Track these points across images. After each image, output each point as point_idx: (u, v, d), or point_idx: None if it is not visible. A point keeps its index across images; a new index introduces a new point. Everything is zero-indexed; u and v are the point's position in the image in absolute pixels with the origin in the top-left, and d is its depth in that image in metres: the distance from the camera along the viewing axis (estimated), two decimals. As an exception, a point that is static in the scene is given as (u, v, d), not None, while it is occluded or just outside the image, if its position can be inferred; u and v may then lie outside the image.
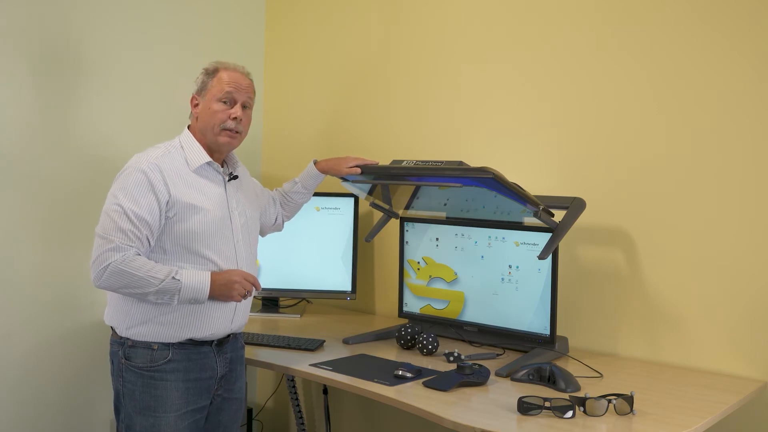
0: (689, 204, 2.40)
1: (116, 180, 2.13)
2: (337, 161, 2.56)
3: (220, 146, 2.21)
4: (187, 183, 2.14)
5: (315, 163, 2.59)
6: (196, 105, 2.23)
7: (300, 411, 3.28)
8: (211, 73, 2.22)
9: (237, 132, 2.21)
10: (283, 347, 2.56)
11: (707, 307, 2.37)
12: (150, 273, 2.03)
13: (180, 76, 3.08)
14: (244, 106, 2.22)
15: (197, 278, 2.08)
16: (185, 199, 2.11)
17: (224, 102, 2.19)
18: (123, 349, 2.14)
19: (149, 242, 2.09)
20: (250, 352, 2.48)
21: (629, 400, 1.94)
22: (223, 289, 2.12)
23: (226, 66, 2.23)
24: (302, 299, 3.27)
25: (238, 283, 2.14)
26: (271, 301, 3.20)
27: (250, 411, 3.34)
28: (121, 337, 2.15)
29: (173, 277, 2.04)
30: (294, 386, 3.27)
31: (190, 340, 2.15)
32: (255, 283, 2.19)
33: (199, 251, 2.13)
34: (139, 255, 2.06)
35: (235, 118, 2.19)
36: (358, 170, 2.51)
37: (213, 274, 2.12)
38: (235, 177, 2.28)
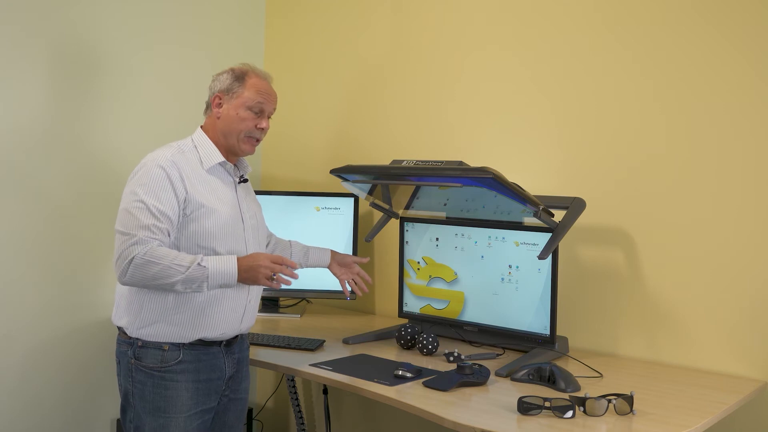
0: (689, 204, 2.40)
1: (132, 178, 2.11)
2: (341, 270, 2.60)
3: (241, 152, 2.23)
4: (202, 182, 2.14)
5: (332, 254, 2.60)
6: (219, 104, 2.20)
7: (300, 411, 3.29)
8: (241, 77, 2.20)
9: (258, 140, 2.24)
10: (283, 347, 2.56)
11: (707, 307, 2.37)
12: (175, 261, 2.01)
13: (181, 77, 3.08)
14: (268, 116, 2.24)
15: (223, 263, 2.05)
16: (200, 198, 2.11)
17: (253, 111, 2.19)
18: (133, 349, 2.13)
19: (170, 235, 2.07)
20: (251, 352, 2.48)
21: (629, 400, 1.94)
22: (249, 273, 2.07)
23: (257, 73, 2.22)
24: (302, 299, 3.27)
25: (264, 267, 2.06)
26: (271, 301, 3.20)
27: (250, 411, 3.34)
28: (131, 338, 2.14)
29: (199, 264, 2.02)
30: (294, 386, 3.27)
31: (200, 340, 2.15)
32: (286, 262, 2.08)
33: (215, 251, 2.12)
34: (162, 246, 2.04)
35: (261, 129, 2.21)
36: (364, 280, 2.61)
37: (239, 258, 2.08)
38: (246, 180, 2.29)
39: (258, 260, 2.08)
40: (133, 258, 2.00)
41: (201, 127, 2.25)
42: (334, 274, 2.59)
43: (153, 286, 2.06)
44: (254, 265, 2.07)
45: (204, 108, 2.27)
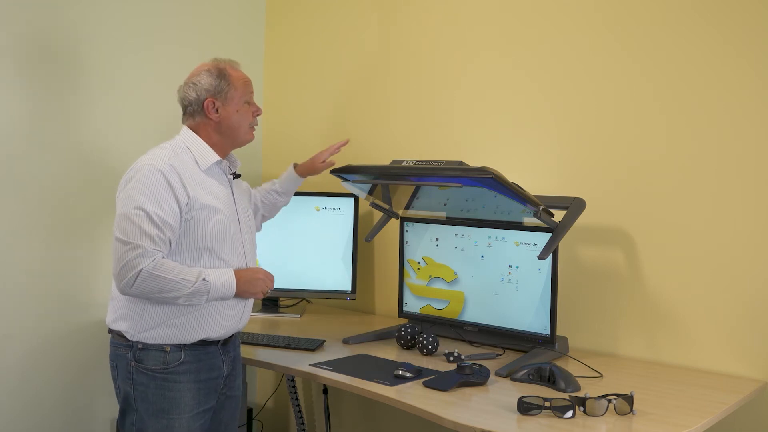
0: (689, 204, 2.40)
1: (130, 182, 2.08)
2: (311, 161, 2.68)
3: (247, 142, 2.28)
4: (201, 184, 2.13)
5: (294, 166, 2.67)
6: (216, 108, 2.19)
7: (300, 411, 3.29)
8: (223, 75, 2.20)
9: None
10: (283, 347, 2.56)
11: (707, 307, 2.37)
12: (181, 276, 2.02)
13: (180, 77, 3.07)
14: None
15: (224, 277, 2.09)
16: (202, 200, 2.10)
17: (248, 103, 2.24)
18: (132, 352, 2.11)
19: (170, 245, 2.07)
20: (251, 352, 2.49)
21: (629, 400, 1.94)
22: (247, 286, 2.15)
23: (232, 65, 2.25)
24: (302, 299, 3.27)
25: (262, 280, 2.18)
26: (271, 301, 3.20)
27: (250, 411, 3.34)
28: (130, 341, 2.12)
29: (204, 279, 2.04)
30: (294, 386, 3.27)
31: (201, 340, 2.15)
32: (272, 280, 2.24)
33: (215, 251, 2.12)
34: (165, 258, 2.04)
35: (259, 114, 2.28)
36: (333, 163, 2.65)
37: (236, 271, 2.13)
38: (238, 175, 2.30)
39: (257, 273, 2.19)
40: (140, 270, 1.98)
41: (189, 127, 2.22)
42: (307, 169, 2.69)
43: (156, 299, 2.05)
44: (253, 278, 2.18)
45: (182, 112, 2.25)
